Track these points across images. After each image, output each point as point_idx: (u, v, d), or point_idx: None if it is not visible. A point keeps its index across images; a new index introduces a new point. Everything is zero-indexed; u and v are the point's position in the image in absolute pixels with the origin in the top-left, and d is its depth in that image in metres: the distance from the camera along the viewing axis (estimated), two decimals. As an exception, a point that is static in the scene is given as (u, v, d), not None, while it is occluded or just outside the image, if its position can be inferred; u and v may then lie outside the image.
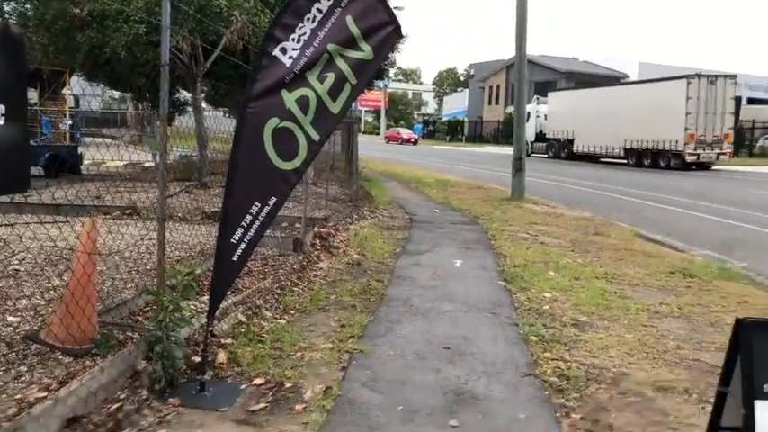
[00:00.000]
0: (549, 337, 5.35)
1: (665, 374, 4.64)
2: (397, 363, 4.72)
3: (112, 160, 16.97)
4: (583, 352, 5.07)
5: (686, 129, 28.82)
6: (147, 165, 18.28)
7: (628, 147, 32.20)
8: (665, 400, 4.20)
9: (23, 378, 3.64)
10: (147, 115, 26.79)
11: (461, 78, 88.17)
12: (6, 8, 17.11)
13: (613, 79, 50.47)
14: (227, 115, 21.51)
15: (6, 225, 6.24)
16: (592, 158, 35.28)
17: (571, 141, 36.67)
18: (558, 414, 3.95)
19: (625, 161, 32.78)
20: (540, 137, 39.55)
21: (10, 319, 4.57)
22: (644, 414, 4.00)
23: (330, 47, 4.05)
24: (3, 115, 2.61)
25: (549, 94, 40.48)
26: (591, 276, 7.67)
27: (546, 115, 39.20)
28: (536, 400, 4.15)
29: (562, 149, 37.83)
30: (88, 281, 3.90)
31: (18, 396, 3.43)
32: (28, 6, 15.85)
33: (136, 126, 29.63)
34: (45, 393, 3.43)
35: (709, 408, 2.72)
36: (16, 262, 5.91)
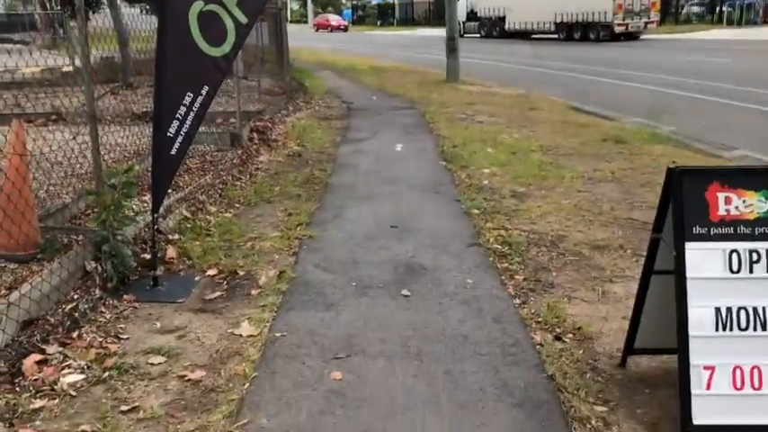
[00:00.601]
0: (490, 210, 5.54)
1: (600, 234, 4.91)
2: (347, 244, 4.83)
3: (27, 66, 15.96)
4: (523, 220, 5.29)
5: (615, -1, 28.86)
6: (65, 69, 17.26)
7: (558, 21, 32.15)
8: (602, 257, 4.47)
9: (-29, 286, 3.59)
10: (58, 15, 24.99)
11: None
12: None
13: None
14: (144, 12, 20.26)
15: None
16: (524, 35, 35.09)
17: (502, 19, 36.27)
18: (502, 277, 4.17)
19: (556, 36, 32.79)
20: (472, 16, 38.87)
21: (-56, 232, 4.42)
22: (582, 270, 4.27)
23: None
24: None
25: (480, -29, 39.46)
26: (527, 150, 7.86)
27: (477, -7, 38.43)
28: (482, 266, 4.36)
29: (494, 27, 37.43)
30: (23, 183, 3.78)
31: (-32, 304, 3.39)
32: None
33: (47, 29, 27.68)
34: (-5, 299, 3.40)
35: (643, 260, 2.92)
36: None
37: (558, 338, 3.40)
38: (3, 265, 3.85)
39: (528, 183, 6.38)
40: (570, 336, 3.43)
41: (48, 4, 26.16)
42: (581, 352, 3.26)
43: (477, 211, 5.50)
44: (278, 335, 3.43)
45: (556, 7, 31.47)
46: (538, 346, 3.30)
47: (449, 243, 4.80)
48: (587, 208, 5.56)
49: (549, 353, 3.23)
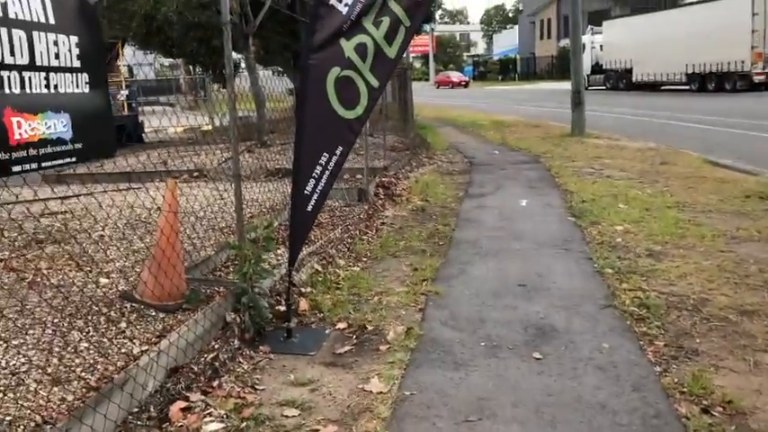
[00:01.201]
0: (624, 269, 5.30)
1: (748, 298, 4.56)
2: (474, 302, 4.78)
3: (171, 126, 17.37)
4: (660, 281, 5.01)
5: (753, 47, 27.36)
6: (204, 128, 18.62)
7: (690, 71, 30.85)
8: (752, 324, 4.14)
9: (125, 333, 3.87)
10: (200, 80, 27.13)
11: (510, 15, 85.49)
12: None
13: (671, 1, 48.02)
14: (276, 74, 21.56)
15: (87, 194, 6.52)
16: (652, 87, 33.99)
17: (629, 71, 35.36)
18: (641, 342, 3.95)
19: (687, 87, 31.45)
20: (597, 68, 38.21)
21: (102, 281, 4.82)
22: (729, 337, 3.96)
23: None
24: (87, 83, 2.73)
25: (604, 23, 38.87)
26: (662, 206, 7.51)
27: (602, 45, 37.80)
28: (618, 330, 4.15)
29: (620, 80, 36.54)
30: (176, 238, 4.07)
31: (123, 350, 3.65)
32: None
33: (190, 91, 30.06)
34: (147, 347, 3.64)
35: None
36: (100, 228, 6.19)
37: (705, 411, 3.15)
38: (153, 314, 4.12)
39: (664, 241, 6.07)
40: (719, 409, 3.17)
41: (192, 70, 28.51)
42: (733, 428, 3.00)
43: (610, 271, 5.28)
44: (407, 393, 3.42)
45: (687, 58, 30.27)
46: (683, 419, 3.08)
47: (581, 304, 4.63)
48: (732, 269, 5.19)
49: (697, 427, 3.00)
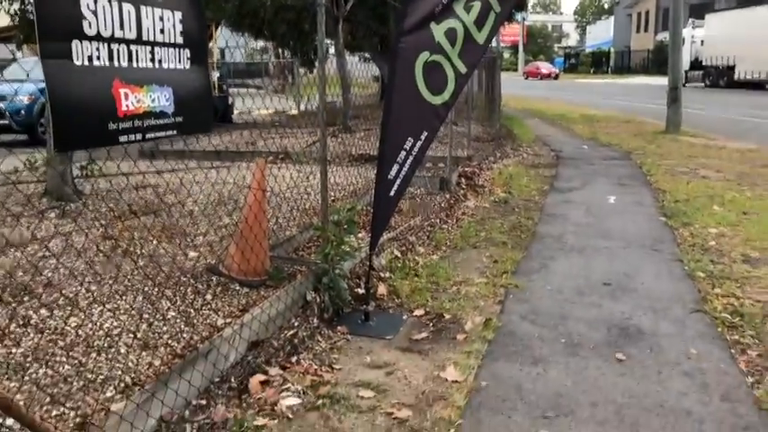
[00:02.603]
0: (717, 274, 5.05)
1: None
2: (555, 298, 4.67)
3: (259, 109, 17.82)
4: (757, 289, 4.75)
5: None
6: (291, 113, 19.00)
7: (799, 70, 28.97)
8: None
9: (210, 305, 4.01)
10: (289, 64, 27.64)
11: (605, 6, 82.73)
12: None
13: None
14: (363, 60, 21.68)
15: (181, 170, 6.78)
16: (756, 86, 32.06)
17: (731, 68, 33.49)
18: (732, 350, 3.75)
19: (795, 87, 29.58)
20: (696, 64, 36.41)
21: (191, 254, 5.01)
22: (833, 354, 3.71)
23: None
24: (189, 59, 2.82)
25: (707, 17, 36.93)
26: (761, 210, 7.10)
27: (702, 40, 35.97)
28: (707, 336, 3.96)
29: (721, 77, 34.66)
30: (263, 216, 4.18)
31: (208, 321, 3.78)
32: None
33: (278, 76, 30.71)
34: (230, 319, 3.76)
35: None
36: (191, 203, 6.42)
37: (801, 429, 2.97)
38: (238, 288, 4.25)
39: (763, 247, 5.73)
40: (818, 428, 2.97)
41: (281, 54, 29.09)
42: (832, 449, 2.81)
43: (702, 275, 5.04)
44: (483, 383, 3.38)
45: (796, 56, 28.43)
46: (777, 435, 2.91)
47: (669, 307, 4.44)
48: (839, 281, 4.85)
49: (792, 444, 2.83)
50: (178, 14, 2.70)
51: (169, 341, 3.53)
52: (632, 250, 5.81)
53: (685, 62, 33.17)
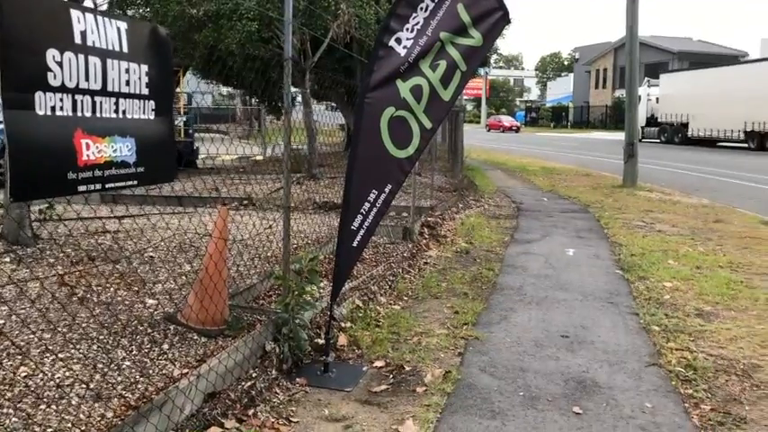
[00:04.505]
0: (672, 327, 5.16)
1: (803, 368, 4.37)
2: (514, 350, 4.71)
3: (225, 154, 17.84)
4: (710, 342, 4.86)
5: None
6: (257, 158, 19.04)
7: (749, 129, 30.21)
8: (806, 395, 3.96)
9: (167, 355, 3.93)
10: (255, 111, 27.80)
11: (565, 63, 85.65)
12: (129, 12, 18.21)
13: (731, 58, 47.31)
14: (329, 109, 21.95)
15: (140, 216, 6.71)
16: (708, 143, 33.35)
17: (685, 125, 34.82)
18: (686, 404, 3.82)
19: (746, 145, 30.76)
20: (652, 121, 37.74)
21: (149, 302, 4.93)
22: (782, 408, 3.80)
23: (442, 35, 4.08)
24: (153, 110, 2.84)
25: (662, 76, 38.56)
26: (714, 265, 7.30)
27: (658, 98, 37.39)
28: (662, 389, 4.03)
29: (676, 134, 35.96)
30: (224, 264, 4.15)
31: (164, 372, 3.71)
32: (148, 9, 16.81)
33: (245, 121, 30.83)
34: (187, 370, 3.69)
35: None
36: (150, 250, 6.35)
37: (753, 484, 3.02)
38: (195, 338, 4.19)
39: (715, 302, 5.89)
40: (768, 483, 3.03)
41: (248, 100, 29.28)
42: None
43: (657, 328, 5.15)
44: (441, 438, 3.37)
45: (746, 115, 29.68)
46: (729, 491, 2.95)
47: (625, 360, 4.51)
48: (787, 336, 4.99)
49: (743, 500, 2.87)
50: (144, 67, 2.74)
51: (123, 392, 3.45)
52: (589, 303, 5.91)
53: (641, 119, 34.43)
